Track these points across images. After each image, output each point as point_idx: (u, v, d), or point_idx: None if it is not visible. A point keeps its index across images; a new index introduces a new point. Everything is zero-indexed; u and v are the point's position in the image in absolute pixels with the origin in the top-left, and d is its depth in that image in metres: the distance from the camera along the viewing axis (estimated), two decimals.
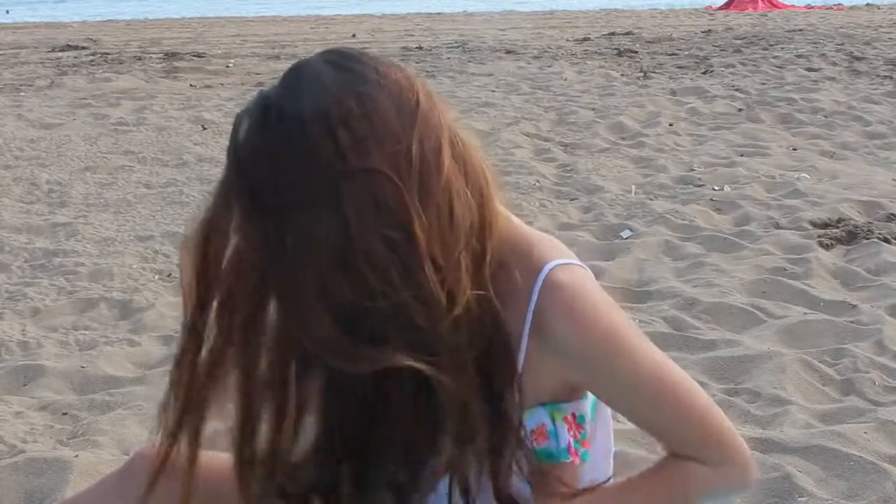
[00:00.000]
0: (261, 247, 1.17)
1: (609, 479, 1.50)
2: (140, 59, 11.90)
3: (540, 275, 1.29)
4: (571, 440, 1.38)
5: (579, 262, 1.35)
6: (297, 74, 1.19)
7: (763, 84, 9.21)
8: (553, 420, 1.36)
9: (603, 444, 1.46)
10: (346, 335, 1.16)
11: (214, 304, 1.24)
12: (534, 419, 1.34)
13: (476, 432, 1.24)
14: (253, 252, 1.18)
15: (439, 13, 22.69)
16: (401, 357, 1.16)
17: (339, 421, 1.30)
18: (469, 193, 1.20)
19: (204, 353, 1.26)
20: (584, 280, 1.32)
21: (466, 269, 1.18)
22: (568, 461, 1.38)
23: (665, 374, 1.33)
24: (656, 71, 10.35)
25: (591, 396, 1.41)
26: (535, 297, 1.28)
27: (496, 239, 1.25)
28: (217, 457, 1.62)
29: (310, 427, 1.32)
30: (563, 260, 1.32)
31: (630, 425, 2.73)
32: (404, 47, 13.20)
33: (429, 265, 1.14)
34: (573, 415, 1.38)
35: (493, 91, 9.07)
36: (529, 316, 1.28)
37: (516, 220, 1.36)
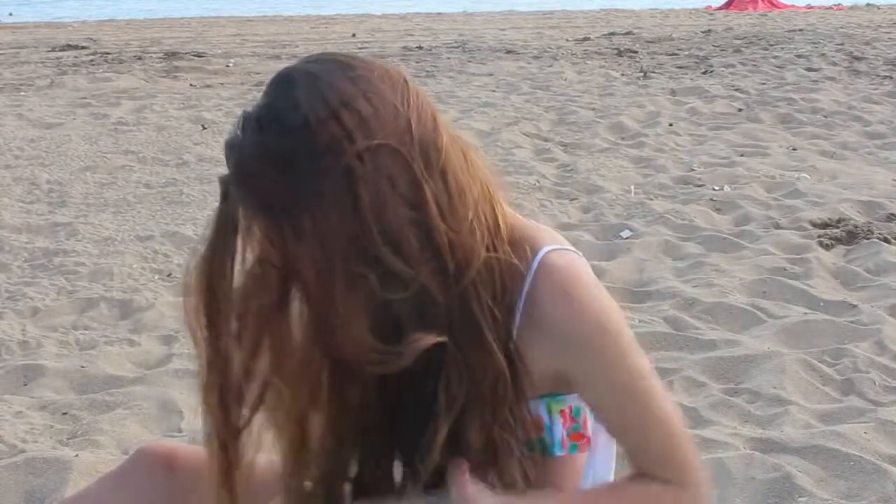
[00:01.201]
0: (281, 251, 1.16)
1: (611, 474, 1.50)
2: (140, 58, 11.89)
3: (536, 258, 1.29)
4: (564, 433, 1.38)
5: (576, 251, 1.35)
6: (284, 78, 1.20)
7: (763, 84, 9.21)
8: (550, 412, 1.36)
9: (605, 440, 1.45)
10: (377, 340, 1.17)
11: (231, 331, 1.23)
12: (531, 411, 1.34)
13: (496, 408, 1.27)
14: (274, 258, 1.17)
15: (439, 13, 22.70)
16: (427, 340, 1.18)
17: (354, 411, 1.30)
18: (469, 167, 1.23)
19: (232, 376, 1.25)
20: (578, 265, 1.32)
21: (481, 238, 1.22)
22: (560, 455, 1.38)
23: (646, 381, 1.33)
24: (656, 71, 10.35)
25: None
26: (528, 279, 1.29)
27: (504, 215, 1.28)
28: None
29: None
30: (558, 246, 1.33)
31: None
32: (404, 47, 13.19)
33: (442, 233, 1.17)
34: (570, 407, 1.38)
35: (493, 91, 9.07)
36: (522, 298, 1.29)
37: (516, 214, 1.37)
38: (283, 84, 1.19)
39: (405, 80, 1.20)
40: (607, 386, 1.31)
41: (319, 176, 1.13)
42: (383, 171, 1.14)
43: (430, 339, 1.18)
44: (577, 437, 1.40)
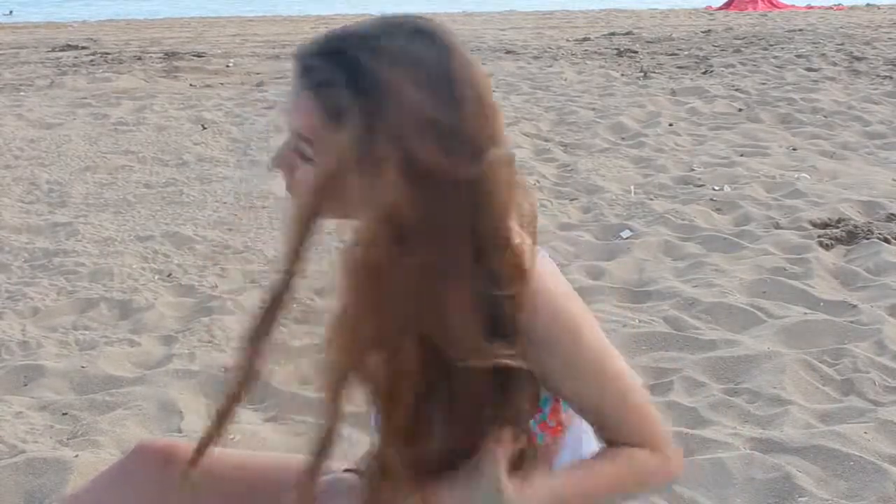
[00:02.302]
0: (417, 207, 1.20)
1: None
2: (140, 58, 11.90)
3: None
4: (532, 421, 1.36)
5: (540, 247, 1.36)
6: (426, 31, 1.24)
7: (763, 84, 9.21)
8: None
9: (578, 427, 1.45)
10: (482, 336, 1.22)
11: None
12: None
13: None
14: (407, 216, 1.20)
15: (439, 13, 22.70)
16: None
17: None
18: None
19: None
20: (546, 265, 1.33)
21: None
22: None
23: (608, 360, 1.33)
24: (656, 71, 10.35)
25: None
26: None
27: None
28: (229, 454, 1.62)
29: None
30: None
31: None
32: None
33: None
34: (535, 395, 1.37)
35: (492, 91, 9.06)
36: None
37: None
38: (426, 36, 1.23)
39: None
40: (569, 369, 1.31)
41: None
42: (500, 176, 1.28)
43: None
44: (544, 427, 1.39)
